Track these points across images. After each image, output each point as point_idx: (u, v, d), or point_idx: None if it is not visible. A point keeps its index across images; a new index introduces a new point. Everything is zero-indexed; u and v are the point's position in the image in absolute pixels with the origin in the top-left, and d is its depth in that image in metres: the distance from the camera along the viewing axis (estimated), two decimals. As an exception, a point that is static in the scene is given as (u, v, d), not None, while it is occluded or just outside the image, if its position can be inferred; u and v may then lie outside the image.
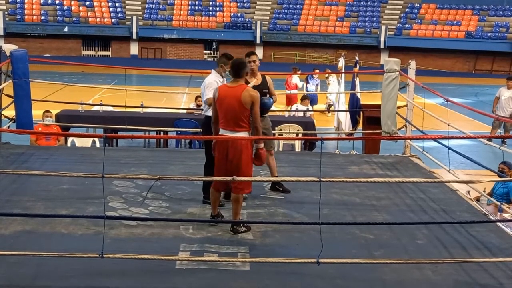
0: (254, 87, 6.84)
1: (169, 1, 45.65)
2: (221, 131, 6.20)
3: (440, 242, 6.15)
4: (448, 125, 8.76)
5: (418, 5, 46.00)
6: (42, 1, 44.24)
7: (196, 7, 45.42)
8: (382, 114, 10.26)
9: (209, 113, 6.66)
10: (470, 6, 45.27)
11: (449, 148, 8.47)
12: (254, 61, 7.17)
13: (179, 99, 22.04)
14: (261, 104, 6.32)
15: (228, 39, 43.83)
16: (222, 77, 6.97)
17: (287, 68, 23.32)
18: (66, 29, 42.86)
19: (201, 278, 5.17)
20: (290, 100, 18.12)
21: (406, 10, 45.87)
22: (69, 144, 11.16)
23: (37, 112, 10.56)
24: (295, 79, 19.17)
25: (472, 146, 14.69)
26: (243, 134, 6.12)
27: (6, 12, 42.57)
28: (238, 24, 44.57)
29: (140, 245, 5.77)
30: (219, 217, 6.42)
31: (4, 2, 43.58)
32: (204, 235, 6.11)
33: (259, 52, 44.18)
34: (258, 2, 46.40)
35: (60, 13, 43.71)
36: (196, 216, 6.73)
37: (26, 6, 43.84)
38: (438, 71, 40.93)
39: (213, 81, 6.90)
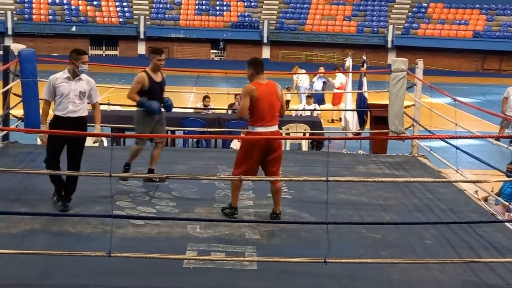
0: (156, 83, 7.43)
1: (176, 1, 45.70)
2: (262, 129, 6.27)
3: (448, 242, 6.13)
4: (456, 125, 8.73)
5: (426, 5, 45.85)
6: (50, 1, 44.38)
7: (203, 7, 45.45)
8: (390, 113, 10.24)
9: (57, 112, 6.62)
10: (478, 6, 45.07)
11: (456, 148, 8.44)
12: (164, 59, 7.61)
13: (186, 99, 22.04)
14: (166, 105, 7.50)
15: (235, 38, 43.86)
16: (76, 74, 6.55)
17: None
18: (74, 28, 43.00)
19: (208, 278, 5.17)
20: (336, 100, 17.94)
21: (414, 9, 45.73)
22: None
23: (45, 111, 10.57)
24: (341, 78, 17.98)
25: (480, 146, 14.63)
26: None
27: (14, 12, 42.75)
28: (245, 24, 44.57)
29: (147, 244, 5.78)
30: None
31: (12, 1, 43.75)
32: (211, 234, 6.11)
33: (266, 51, 44.24)
34: (265, 2, 46.38)
35: (68, 12, 43.85)
36: (204, 215, 6.74)
37: (34, 5, 43.99)
38: (445, 70, 40.78)
39: (53, 77, 6.62)
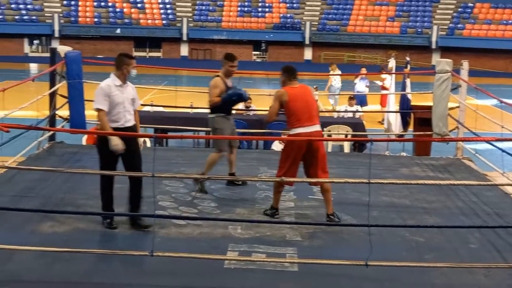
0: (228, 88, 7.49)
1: (218, 3, 45.97)
2: (300, 129, 6.37)
3: (493, 246, 6.01)
4: (502, 127, 8.56)
5: (472, 5, 45.02)
6: (95, 4, 45.19)
7: (246, 8, 45.59)
8: (434, 115, 10.09)
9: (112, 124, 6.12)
10: (526, 5, 44.11)
11: (502, 151, 8.25)
12: (236, 66, 7.65)
13: (228, 100, 22.11)
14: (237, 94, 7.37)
15: (277, 40, 43.88)
16: (124, 81, 6.20)
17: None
18: (118, 30, 43.68)
19: (249, 278, 5.19)
20: (382, 102, 17.81)
21: (459, 9, 44.95)
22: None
23: (90, 112, 10.76)
24: (388, 81, 17.62)
25: (527, 149, 14.27)
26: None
27: (61, 15, 43.67)
28: (287, 25, 44.54)
29: (189, 244, 5.83)
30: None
31: (59, 5, 44.72)
32: (252, 235, 6.13)
33: (308, 52, 44.13)
34: (307, 3, 46.26)
35: (112, 15, 44.57)
36: (245, 216, 6.76)
37: (80, 8, 44.86)
38: (491, 71, 39.94)
39: (106, 85, 6.13)
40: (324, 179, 6.46)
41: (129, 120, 6.21)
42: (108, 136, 5.92)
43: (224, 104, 7.46)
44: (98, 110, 6.09)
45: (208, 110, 7.78)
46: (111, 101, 6.07)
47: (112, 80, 6.15)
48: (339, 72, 20.49)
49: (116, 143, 5.90)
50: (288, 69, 6.65)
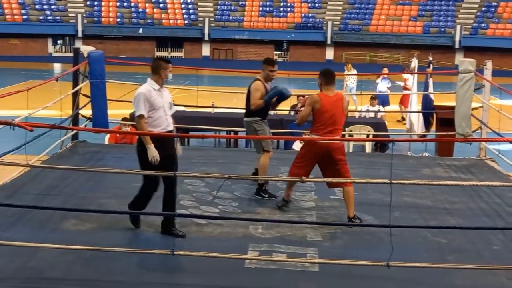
0: (267, 92, 7.41)
1: (240, 2, 46.04)
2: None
3: (517, 248, 5.94)
4: (526, 128, 8.46)
5: (496, 4, 44.52)
6: (118, 4, 45.54)
7: (267, 8, 45.60)
8: (456, 115, 10.00)
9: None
10: (551, 4, 43.51)
11: (527, 151, 8.17)
12: (276, 71, 7.51)
13: (250, 100, 22.12)
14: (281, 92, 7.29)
15: (298, 39, 43.81)
16: (161, 85, 6.09)
17: (358, 68, 22.99)
18: (140, 30, 43.97)
19: (270, 278, 5.19)
20: (403, 101, 17.71)
21: (483, 9, 44.49)
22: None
23: (112, 112, 10.87)
24: (410, 81, 17.32)
25: (552, 150, 14.10)
26: None
27: (84, 15, 44.09)
28: (309, 25, 44.45)
29: (210, 243, 5.84)
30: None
31: (82, 5, 45.15)
32: (273, 235, 6.13)
33: (330, 52, 43.99)
34: (329, 2, 46.13)
35: (135, 15, 44.87)
36: (266, 215, 6.76)
37: (103, 8, 45.23)
38: (516, 71, 39.47)
39: (147, 90, 5.99)
40: (345, 179, 6.43)
41: (170, 124, 6.12)
42: (148, 147, 5.83)
43: (262, 108, 7.43)
44: (141, 116, 5.93)
45: (243, 112, 7.70)
46: (152, 105, 5.94)
47: (150, 85, 6.02)
48: (355, 72, 20.38)
49: (154, 155, 5.83)
50: (325, 73, 6.65)
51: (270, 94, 7.36)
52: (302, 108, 7.04)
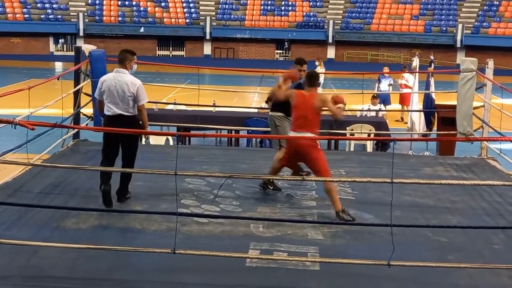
0: None
1: (242, 1, 46.04)
2: (293, 133, 6.78)
3: (518, 247, 5.94)
4: (528, 127, 8.45)
5: (497, 3, 44.48)
6: (119, 3, 45.57)
7: (269, 7, 45.59)
8: (458, 114, 10.00)
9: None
10: (553, 3, 43.43)
11: (528, 151, 8.17)
12: (305, 71, 7.64)
13: (251, 99, 22.16)
14: None
15: (300, 38, 43.80)
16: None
17: (360, 67, 23.01)
18: (142, 29, 43.98)
19: (271, 277, 5.19)
20: (403, 100, 17.68)
21: (485, 8, 44.45)
22: (143, 142, 11.46)
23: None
24: (412, 80, 17.16)
25: (554, 149, 14.08)
26: None
27: (85, 14, 44.10)
28: (310, 24, 44.44)
29: (211, 242, 5.85)
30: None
31: (83, 4, 45.17)
32: (274, 234, 6.13)
33: (331, 51, 43.96)
34: (330, 1, 46.10)
35: (136, 14, 44.88)
36: (267, 214, 6.77)
37: (104, 7, 45.26)
38: (518, 70, 39.44)
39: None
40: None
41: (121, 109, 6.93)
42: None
43: (286, 105, 7.42)
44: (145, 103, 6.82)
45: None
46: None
47: (116, 73, 6.81)
48: (324, 70, 20.56)
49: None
50: (307, 75, 7.03)
51: (292, 86, 7.40)
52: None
